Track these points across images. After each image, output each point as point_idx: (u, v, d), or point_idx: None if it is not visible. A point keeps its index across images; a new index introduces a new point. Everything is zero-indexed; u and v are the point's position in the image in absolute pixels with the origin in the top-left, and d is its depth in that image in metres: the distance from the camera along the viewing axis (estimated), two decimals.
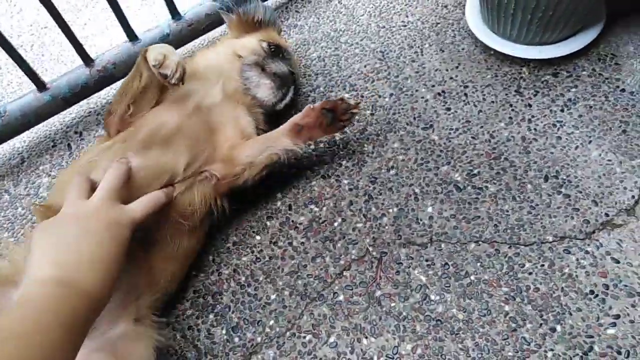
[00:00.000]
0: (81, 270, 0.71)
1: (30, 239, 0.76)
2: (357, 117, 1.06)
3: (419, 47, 1.35)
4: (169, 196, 0.93)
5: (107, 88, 1.38)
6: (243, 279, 1.04)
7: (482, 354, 0.89)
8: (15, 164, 1.32)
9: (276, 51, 1.20)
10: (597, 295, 0.92)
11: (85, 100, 1.38)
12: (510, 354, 0.88)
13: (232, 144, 1.03)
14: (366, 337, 0.94)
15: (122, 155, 0.93)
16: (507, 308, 0.93)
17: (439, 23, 1.39)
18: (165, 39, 1.36)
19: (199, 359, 0.95)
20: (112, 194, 0.83)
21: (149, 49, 0.97)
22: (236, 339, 0.97)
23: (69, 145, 1.33)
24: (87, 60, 1.32)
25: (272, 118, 1.16)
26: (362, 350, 0.92)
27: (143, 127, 0.98)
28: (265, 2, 1.35)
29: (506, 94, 1.21)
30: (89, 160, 0.96)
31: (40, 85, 1.29)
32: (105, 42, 1.60)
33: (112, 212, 0.80)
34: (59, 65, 1.56)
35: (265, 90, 1.13)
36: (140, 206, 0.85)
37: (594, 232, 0.99)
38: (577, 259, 0.96)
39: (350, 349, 0.93)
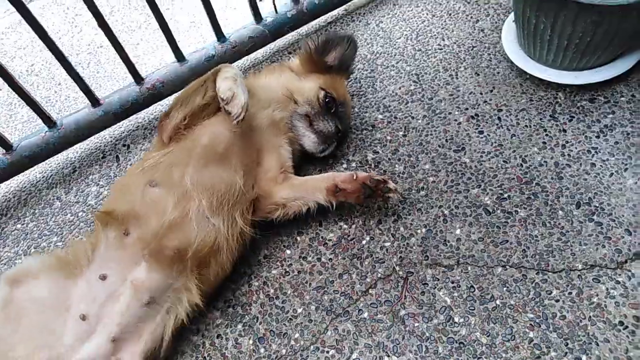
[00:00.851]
0: None
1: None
2: (392, 195, 1.05)
3: (454, 70, 1.36)
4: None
5: (155, 105, 1.46)
6: (272, 291, 1.08)
7: None
8: (67, 173, 1.42)
9: (330, 104, 1.20)
10: (626, 327, 0.90)
11: (134, 116, 1.47)
12: None
13: (272, 175, 1.10)
14: (388, 356, 0.95)
15: (183, 160, 1.02)
16: (531, 334, 0.92)
17: (475, 46, 1.40)
18: (210, 59, 1.44)
19: None
20: None
21: (221, 72, 1.04)
22: (262, 350, 1.00)
23: (117, 157, 1.42)
24: (137, 78, 1.41)
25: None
26: None
27: (200, 138, 1.04)
28: (336, 47, 1.28)
29: (540, 119, 1.20)
30: (151, 164, 1.03)
31: (94, 101, 1.39)
32: (155, 61, 1.69)
33: None
34: (112, 82, 1.67)
35: (308, 142, 1.20)
36: None
37: (626, 261, 0.97)
38: (607, 289, 0.94)
39: None
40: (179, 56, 1.43)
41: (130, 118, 1.48)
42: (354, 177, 1.05)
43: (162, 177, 1.01)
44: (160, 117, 1.11)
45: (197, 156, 1.02)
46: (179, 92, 1.12)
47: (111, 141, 1.48)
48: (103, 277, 0.94)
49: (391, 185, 1.04)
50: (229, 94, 0.99)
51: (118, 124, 1.47)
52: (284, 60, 1.52)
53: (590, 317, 0.92)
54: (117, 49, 1.32)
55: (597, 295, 0.94)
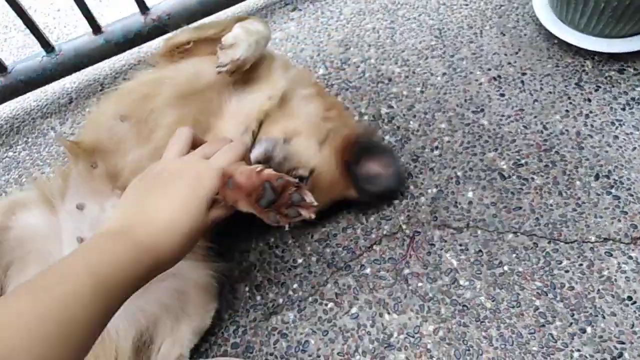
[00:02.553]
0: (148, 223, 0.63)
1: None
2: (304, 215, 0.71)
3: (479, 28, 1.29)
4: (246, 144, 0.82)
5: (158, 39, 1.38)
6: (272, 239, 1.04)
7: (505, 344, 0.86)
8: (64, 103, 1.35)
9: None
10: (635, 302, 0.88)
11: (136, 49, 1.39)
12: (535, 348, 0.86)
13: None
14: (389, 313, 0.93)
15: (157, 91, 0.91)
16: (537, 303, 0.90)
17: (503, 5, 1.33)
18: None
19: (220, 312, 0.96)
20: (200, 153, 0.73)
21: (246, 20, 0.94)
22: (258, 297, 0.97)
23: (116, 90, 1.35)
24: (143, 8, 1.33)
25: None
26: (382, 325, 0.91)
27: (188, 68, 0.96)
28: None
29: (565, 86, 1.15)
30: (125, 92, 0.95)
31: (96, 29, 1.31)
32: None
33: (201, 164, 0.70)
34: (116, 11, 1.58)
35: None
36: (223, 157, 0.72)
37: None
38: (619, 263, 0.92)
39: (371, 322, 0.92)
40: None
41: (132, 51, 1.41)
42: (257, 171, 0.70)
43: (131, 111, 0.92)
44: (166, 39, 1.02)
45: (174, 88, 0.92)
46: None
47: (110, 74, 1.41)
48: (80, 207, 0.89)
49: (307, 196, 0.70)
50: (230, 41, 0.89)
51: (119, 56, 1.39)
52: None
53: (599, 290, 0.90)
54: None
55: (608, 268, 0.91)
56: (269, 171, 0.72)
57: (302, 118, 0.97)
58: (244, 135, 0.92)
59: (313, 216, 0.71)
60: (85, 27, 1.30)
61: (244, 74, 0.94)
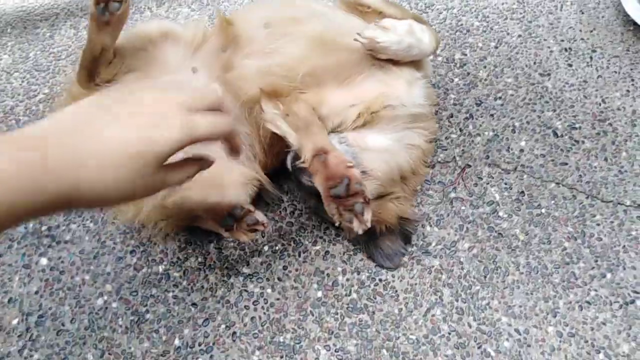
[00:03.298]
0: (72, 144, 0.48)
1: None
2: (354, 226, 0.79)
3: (560, 2, 1.36)
4: (237, 131, 0.66)
5: None
6: None
7: (530, 272, 0.96)
8: None
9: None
10: None
11: None
12: (556, 280, 0.95)
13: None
14: (430, 226, 1.03)
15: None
16: (566, 244, 0.99)
17: None
18: None
19: (280, 193, 1.06)
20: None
21: (417, 22, 0.92)
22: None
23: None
24: None
25: None
26: (423, 234, 1.01)
27: (346, 24, 0.98)
28: None
29: (631, 69, 1.22)
30: (292, 6, 1.01)
31: None
32: None
33: (178, 112, 0.54)
34: None
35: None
36: (208, 124, 0.56)
37: None
38: None
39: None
40: None
41: None
42: (347, 165, 0.79)
43: (277, 24, 0.96)
44: None
45: (322, 29, 0.95)
46: None
47: None
48: (194, 70, 0.99)
49: (367, 214, 0.78)
50: (388, 25, 0.88)
51: None
52: None
53: (624, 245, 0.99)
54: None
55: (636, 230, 1.00)
56: (356, 172, 0.78)
57: (394, 156, 0.94)
58: (313, 117, 0.88)
59: (360, 232, 0.79)
60: None
61: (389, 64, 0.93)
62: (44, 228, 1.02)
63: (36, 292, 0.95)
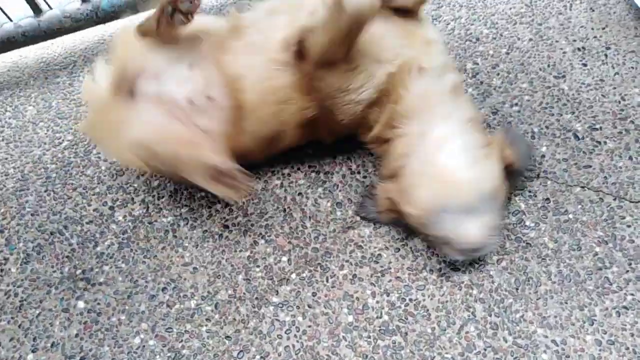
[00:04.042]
0: None
1: None
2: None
3: (569, 1, 1.35)
4: None
5: None
6: (354, 166, 1.15)
7: (563, 281, 0.95)
8: None
9: None
10: None
11: None
12: (590, 287, 0.94)
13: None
14: None
15: None
16: (597, 249, 0.98)
17: None
18: None
19: (303, 220, 1.08)
20: None
21: None
22: (338, 213, 1.08)
23: None
24: None
25: None
26: None
27: None
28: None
29: None
30: None
31: None
32: None
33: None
34: None
35: None
36: None
37: None
38: None
39: None
40: None
41: None
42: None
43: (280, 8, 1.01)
44: None
45: None
46: None
47: None
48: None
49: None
50: None
51: None
52: None
53: None
54: None
55: None
56: None
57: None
58: None
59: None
60: None
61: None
62: (78, 272, 1.05)
63: (76, 335, 0.98)
